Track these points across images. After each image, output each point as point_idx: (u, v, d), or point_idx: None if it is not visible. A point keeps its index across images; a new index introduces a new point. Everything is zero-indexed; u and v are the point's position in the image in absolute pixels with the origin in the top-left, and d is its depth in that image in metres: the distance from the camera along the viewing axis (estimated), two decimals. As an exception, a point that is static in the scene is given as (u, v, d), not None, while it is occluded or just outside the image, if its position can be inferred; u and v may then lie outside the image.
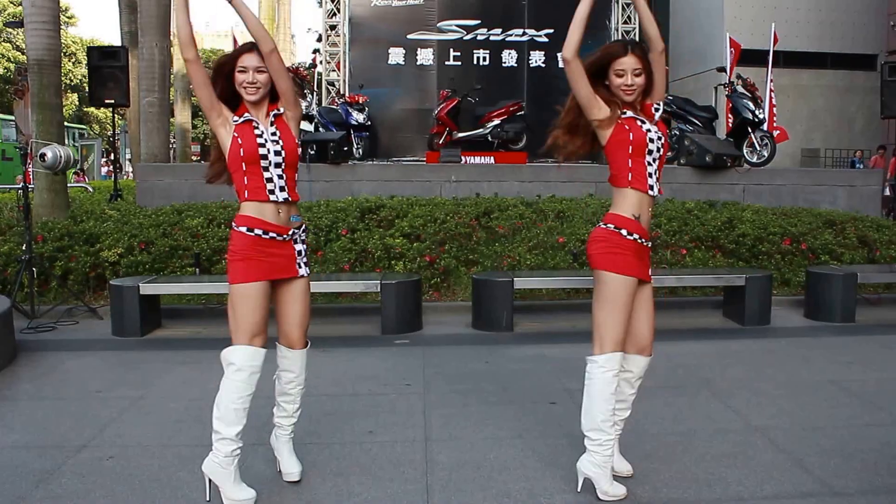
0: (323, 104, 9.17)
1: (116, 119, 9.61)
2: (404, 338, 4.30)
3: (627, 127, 2.12)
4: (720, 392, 3.21)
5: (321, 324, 4.73)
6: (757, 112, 7.27)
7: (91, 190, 9.86)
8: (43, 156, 4.99)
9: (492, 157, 7.88)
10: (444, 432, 2.73)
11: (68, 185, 6.69)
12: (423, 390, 3.27)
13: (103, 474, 2.38)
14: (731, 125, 7.92)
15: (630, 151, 2.12)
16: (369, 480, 2.32)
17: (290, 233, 2.17)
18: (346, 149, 7.10)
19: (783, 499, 2.19)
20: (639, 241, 2.14)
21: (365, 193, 6.41)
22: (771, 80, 9.00)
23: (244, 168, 2.12)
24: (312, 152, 6.78)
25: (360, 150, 8.29)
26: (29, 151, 5.49)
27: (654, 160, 2.14)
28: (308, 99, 8.44)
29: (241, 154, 2.11)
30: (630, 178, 2.12)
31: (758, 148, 7.27)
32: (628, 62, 2.09)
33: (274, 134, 2.15)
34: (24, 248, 4.83)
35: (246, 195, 2.13)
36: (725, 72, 8.40)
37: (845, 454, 2.50)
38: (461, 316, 4.77)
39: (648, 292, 2.23)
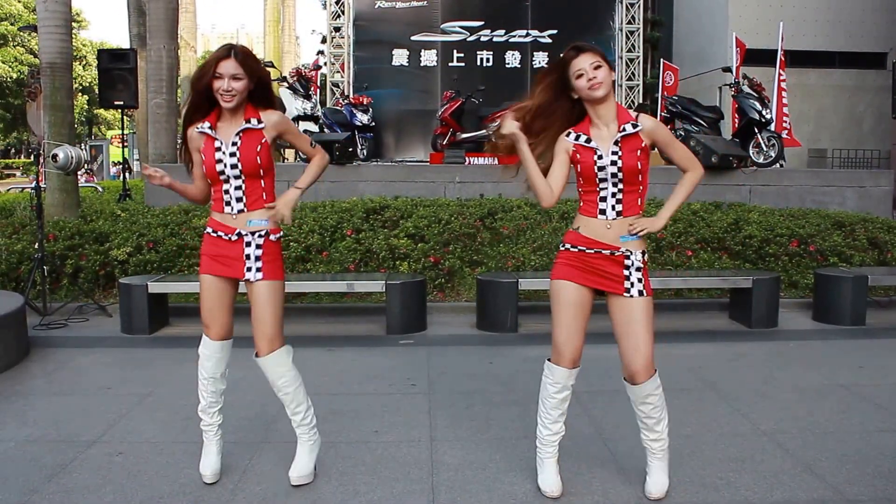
0: (327, 105, 9.20)
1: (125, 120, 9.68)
2: (409, 338, 4.31)
3: (579, 156, 2.10)
4: (727, 395, 3.19)
5: (326, 323, 4.76)
6: (764, 112, 7.21)
7: (101, 190, 9.95)
8: (55, 156, 5.05)
9: (495, 158, 7.87)
10: (450, 433, 2.74)
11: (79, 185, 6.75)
12: (427, 390, 3.28)
13: (113, 470, 2.41)
14: (737, 125, 7.88)
15: (581, 182, 2.14)
16: (375, 480, 2.33)
17: (237, 233, 2.18)
18: (350, 149, 7.12)
19: (792, 504, 2.17)
20: (573, 249, 2.11)
21: (369, 194, 6.43)
22: (782, 80, 8.91)
23: (208, 182, 2.26)
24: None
25: (365, 151, 8.32)
26: (41, 152, 5.55)
27: (612, 184, 2.07)
28: (312, 100, 8.49)
29: (204, 171, 2.23)
30: (581, 206, 2.15)
31: (764, 148, 7.22)
32: (582, 60, 2.04)
33: (234, 144, 2.15)
34: (36, 246, 4.88)
35: (211, 204, 2.29)
36: (731, 72, 8.35)
37: (857, 460, 2.46)
38: (466, 316, 4.77)
39: (628, 309, 2.05)
